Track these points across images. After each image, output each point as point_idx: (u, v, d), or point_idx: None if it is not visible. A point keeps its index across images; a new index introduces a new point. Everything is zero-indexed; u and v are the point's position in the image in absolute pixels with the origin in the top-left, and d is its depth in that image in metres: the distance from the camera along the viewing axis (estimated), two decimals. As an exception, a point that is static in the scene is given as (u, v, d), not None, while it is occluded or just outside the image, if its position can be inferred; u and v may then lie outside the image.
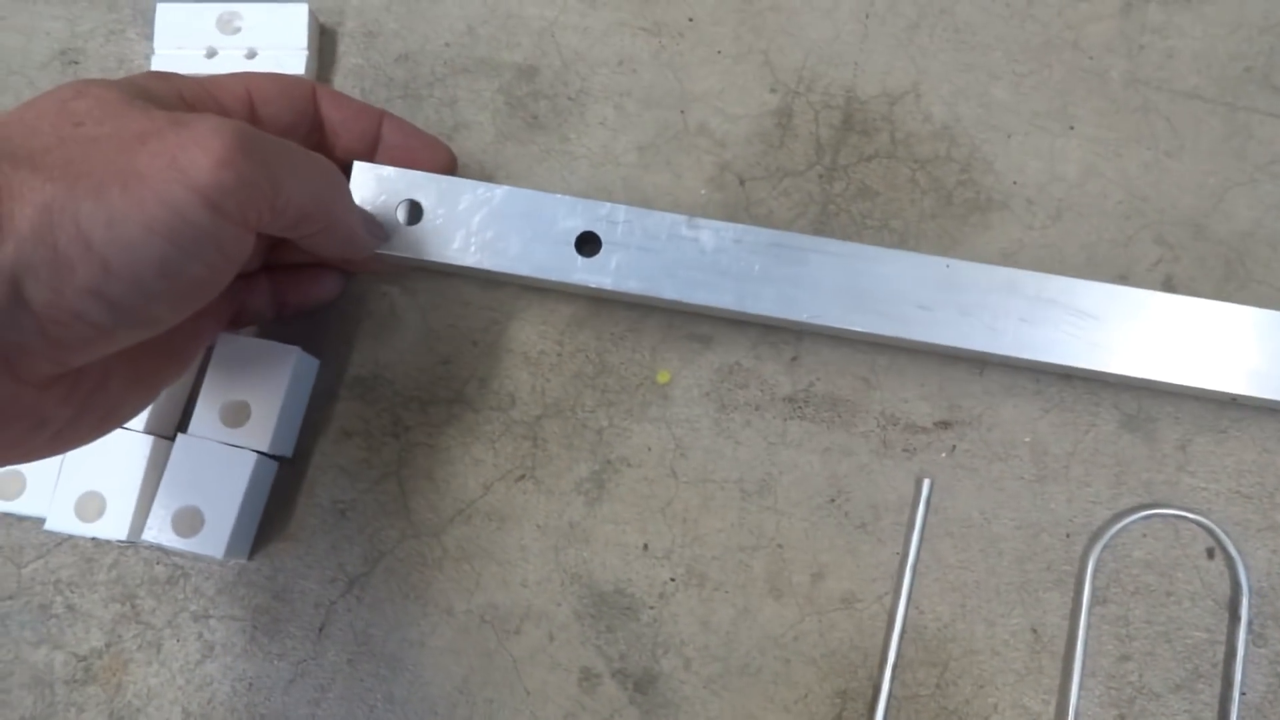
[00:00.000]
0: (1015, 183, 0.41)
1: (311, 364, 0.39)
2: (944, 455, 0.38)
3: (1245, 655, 0.36)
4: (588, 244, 0.36)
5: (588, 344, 0.39)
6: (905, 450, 0.38)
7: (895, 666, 0.36)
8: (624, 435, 0.39)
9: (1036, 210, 0.41)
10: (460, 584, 0.37)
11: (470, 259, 0.36)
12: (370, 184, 0.36)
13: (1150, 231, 0.40)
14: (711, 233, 0.35)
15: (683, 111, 0.42)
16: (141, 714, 0.37)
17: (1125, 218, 0.40)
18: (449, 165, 0.39)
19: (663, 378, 0.39)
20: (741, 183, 0.41)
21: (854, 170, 0.41)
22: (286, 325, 0.39)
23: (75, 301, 0.25)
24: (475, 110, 0.42)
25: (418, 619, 0.37)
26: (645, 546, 0.38)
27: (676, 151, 0.41)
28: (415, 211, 0.36)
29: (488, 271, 0.36)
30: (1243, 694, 0.36)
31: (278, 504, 0.38)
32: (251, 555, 0.38)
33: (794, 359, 0.39)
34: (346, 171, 0.36)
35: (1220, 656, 0.37)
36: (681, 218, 0.35)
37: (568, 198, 0.36)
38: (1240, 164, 0.41)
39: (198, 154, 0.26)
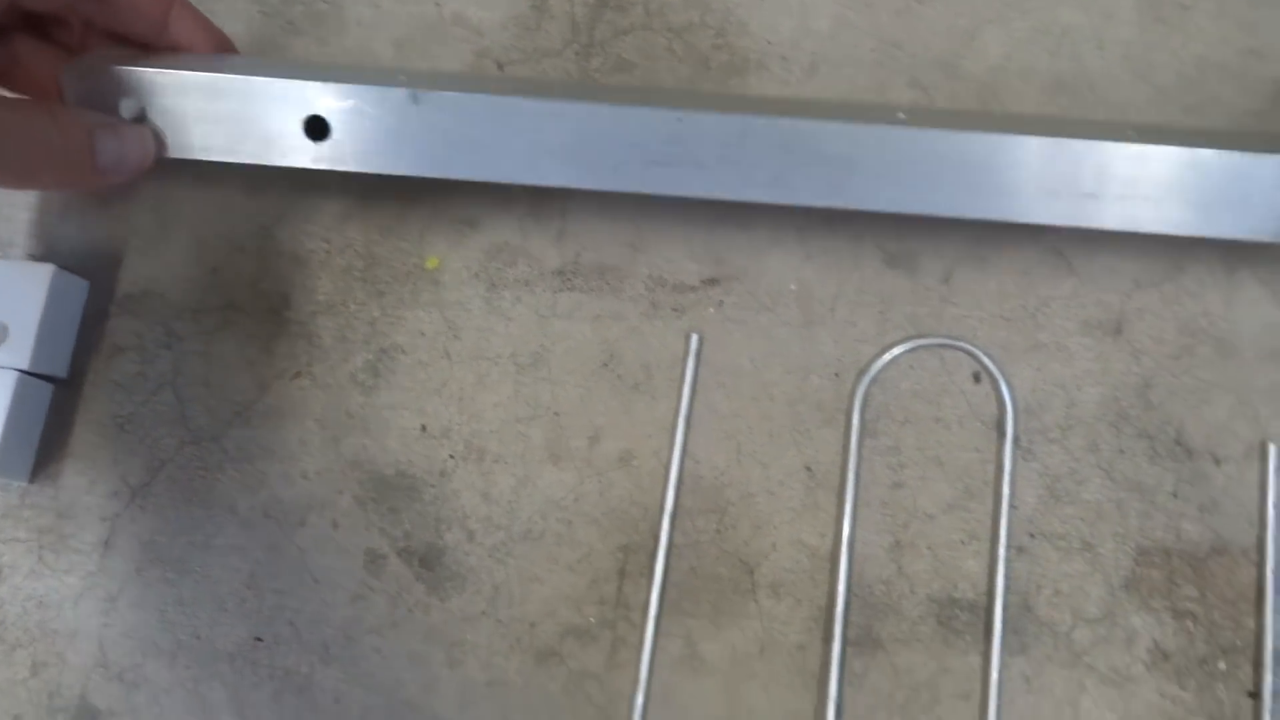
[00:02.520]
0: (769, 42, 0.41)
1: (79, 284, 0.39)
2: (712, 310, 0.39)
3: (1014, 470, 0.37)
4: (316, 127, 0.36)
5: (355, 239, 0.40)
6: (674, 310, 0.39)
7: (674, 516, 0.37)
8: (397, 323, 0.39)
9: (792, 67, 0.41)
10: (243, 484, 0.38)
11: (200, 151, 0.36)
12: (86, 84, 0.35)
13: (904, 76, 0.41)
14: (435, 105, 0.35)
15: (438, 4, 0.42)
16: (-66, 644, 0.37)
17: (879, 65, 0.41)
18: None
19: (431, 264, 0.39)
20: (500, 67, 0.41)
21: (610, 45, 0.41)
22: (54, 249, 0.39)
23: None
24: (230, 21, 0.42)
25: (202, 522, 0.37)
26: (423, 428, 0.38)
27: (434, 43, 0.41)
28: (140, 110, 0.36)
29: (220, 162, 0.36)
30: (1014, 507, 0.37)
31: (57, 425, 0.38)
32: (33, 478, 0.38)
33: (561, 232, 0.39)
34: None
35: (991, 474, 0.37)
36: (405, 92, 0.35)
37: (293, 82, 0.35)
38: (989, 2, 0.41)
39: None
